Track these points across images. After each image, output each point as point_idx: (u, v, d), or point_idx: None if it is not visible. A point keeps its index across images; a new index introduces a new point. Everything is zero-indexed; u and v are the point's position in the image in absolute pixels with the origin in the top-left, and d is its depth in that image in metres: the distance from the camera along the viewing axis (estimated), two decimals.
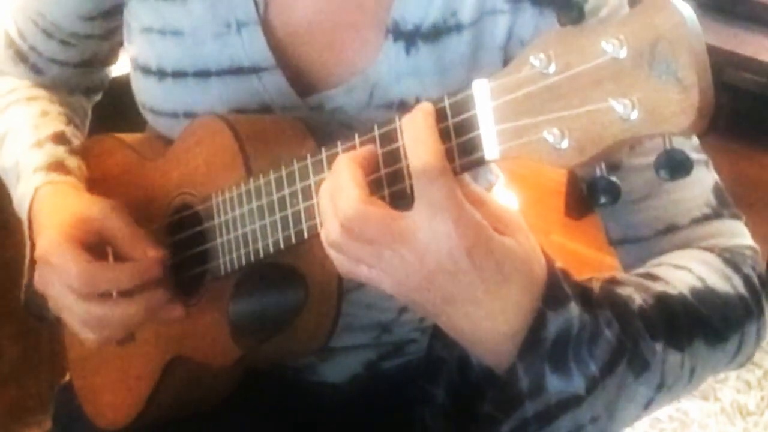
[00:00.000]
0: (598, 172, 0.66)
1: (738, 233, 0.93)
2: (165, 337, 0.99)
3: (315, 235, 0.82)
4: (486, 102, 0.68)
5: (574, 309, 0.75)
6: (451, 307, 0.73)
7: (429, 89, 0.96)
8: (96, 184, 1.08)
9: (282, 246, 0.85)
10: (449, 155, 0.71)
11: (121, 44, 1.15)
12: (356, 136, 0.78)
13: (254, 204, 0.87)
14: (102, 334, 0.93)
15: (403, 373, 1.11)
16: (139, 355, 1.03)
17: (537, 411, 0.76)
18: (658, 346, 0.79)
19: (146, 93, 1.05)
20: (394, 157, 0.75)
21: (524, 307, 0.73)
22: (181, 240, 0.97)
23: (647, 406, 0.81)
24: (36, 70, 1.15)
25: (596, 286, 0.80)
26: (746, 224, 0.95)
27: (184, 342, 0.98)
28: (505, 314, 0.73)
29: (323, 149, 0.81)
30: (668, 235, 0.92)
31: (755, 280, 0.89)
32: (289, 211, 0.84)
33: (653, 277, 0.85)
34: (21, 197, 1.04)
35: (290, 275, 0.90)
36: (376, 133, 0.76)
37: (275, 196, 0.85)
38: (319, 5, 0.98)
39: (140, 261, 0.93)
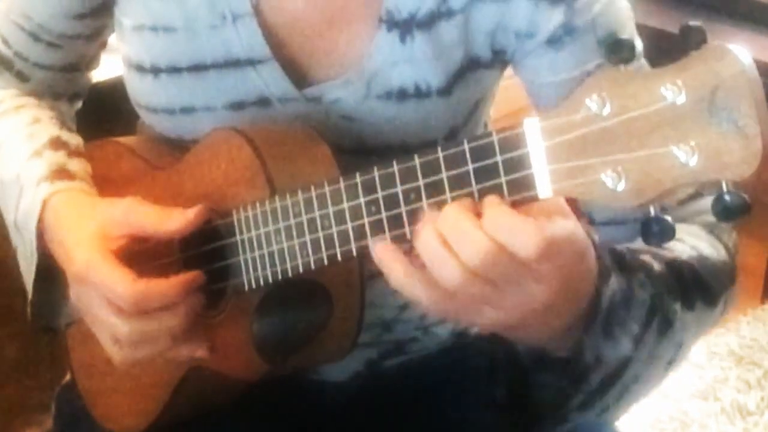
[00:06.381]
0: (653, 212, 0.66)
1: None
2: None
3: (349, 258, 0.82)
4: (538, 141, 0.69)
5: (614, 278, 0.79)
6: (533, 319, 0.75)
7: (427, 75, 0.97)
8: (101, 192, 1.06)
9: (312, 267, 0.85)
10: (498, 191, 0.71)
11: (104, 47, 1.15)
12: (395, 163, 0.77)
13: (281, 223, 0.87)
14: (143, 350, 0.92)
15: (404, 372, 1.12)
16: (154, 363, 1.01)
17: (600, 380, 0.81)
18: (677, 306, 0.84)
19: (141, 91, 1.04)
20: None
21: (588, 295, 0.78)
22: (199, 253, 0.97)
23: (668, 365, 0.86)
24: (21, 77, 1.13)
25: (626, 250, 0.84)
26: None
27: None
28: (578, 310, 0.77)
29: (357, 174, 0.80)
30: None
31: (732, 250, 0.94)
32: (321, 234, 0.83)
33: (660, 247, 0.88)
34: (26, 212, 1.02)
35: (315, 290, 0.90)
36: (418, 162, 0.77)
37: (305, 217, 0.85)
38: None
39: (184, 275, 0.91)
